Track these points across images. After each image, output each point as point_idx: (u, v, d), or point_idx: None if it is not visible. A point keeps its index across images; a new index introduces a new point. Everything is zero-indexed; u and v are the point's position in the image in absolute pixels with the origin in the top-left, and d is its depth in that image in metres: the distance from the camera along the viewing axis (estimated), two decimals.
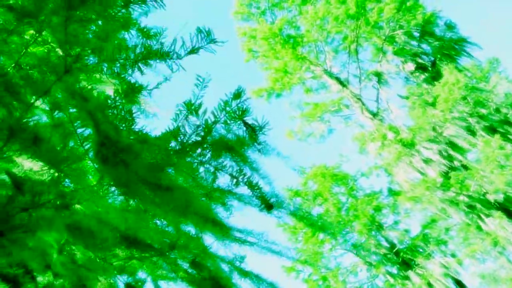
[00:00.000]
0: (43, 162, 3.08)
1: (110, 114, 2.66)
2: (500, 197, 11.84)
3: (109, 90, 3.29)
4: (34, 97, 3.07)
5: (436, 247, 14.04)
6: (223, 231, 3.03)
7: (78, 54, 2.93)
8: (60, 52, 2.93)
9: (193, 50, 2.76)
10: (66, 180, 3.34)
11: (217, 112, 2.70)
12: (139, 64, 2.81)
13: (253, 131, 2.77)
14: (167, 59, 2.76)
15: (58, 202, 3.18)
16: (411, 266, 13.91)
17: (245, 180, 3.34)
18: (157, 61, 2.80)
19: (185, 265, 3.32)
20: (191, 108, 2.65)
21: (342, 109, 16.91)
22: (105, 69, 3.17)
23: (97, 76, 3.31)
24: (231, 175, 3.32)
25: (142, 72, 2.87)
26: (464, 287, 13.13)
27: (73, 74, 2.97)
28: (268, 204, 3.41)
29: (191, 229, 3.50)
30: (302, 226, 14.16)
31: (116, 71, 3.17)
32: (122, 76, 3.19)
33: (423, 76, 15.15)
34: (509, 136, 12.60)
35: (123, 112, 2.63)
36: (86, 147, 3.20)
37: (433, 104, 13.51)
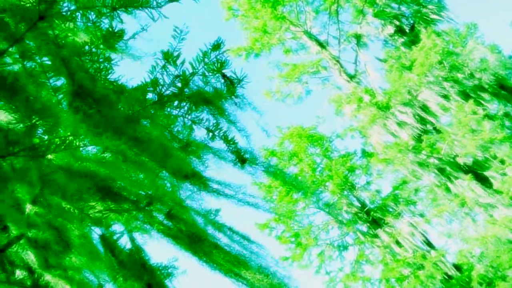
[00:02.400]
0: (18, 112, 3.00)
1: (87, 61, 2.59)
2: (470, 161, 12.19)
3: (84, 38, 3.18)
4: (5, 44, 2.95)
5: (405, 207, 14.47)
6: (201, 182, 3.05)
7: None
8: None
9: None
10: (40, 130, 3.27)
11: (195, 63, 2.66)
12: (118, 12, 2.71)
13: (231, 83, 2.75)
14: (147, 7, 2.65)
15: (31, 153, 3.12)
16: (380, 225, 14.35)
17: (221, 134, 3.36)
18: (137, 9, 2.69)
19: (161, 217, 3.34)
20: (169, 57, 2.60)
21: (320, 70, 16.88)
22: (79, 16, 3.04)
23: (72, 25, 3.19)
24: (207, 128, 3.32)
25: (121, 21, 2.76)
26: (431, 245, 13.67)
27: (48, 22, 2.85)
28: (242, 159, 3.45)
29: (166, 182, 3.51)
30: (276, 184, 14.35)
31: (92, 19, 3.05)
32: (98, 25, 3.08)
33: (401, 40, 15.14)
34: (481, 101, 12.84)
35: (101, 59, 2.56)
36: (59, 97, 3.13)
37: (409, 68, 13.58)
